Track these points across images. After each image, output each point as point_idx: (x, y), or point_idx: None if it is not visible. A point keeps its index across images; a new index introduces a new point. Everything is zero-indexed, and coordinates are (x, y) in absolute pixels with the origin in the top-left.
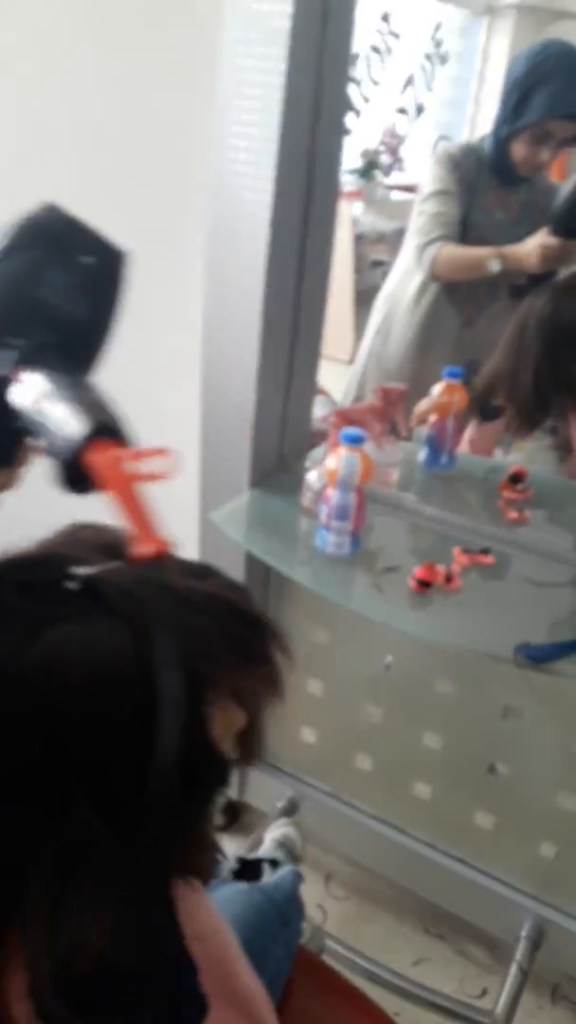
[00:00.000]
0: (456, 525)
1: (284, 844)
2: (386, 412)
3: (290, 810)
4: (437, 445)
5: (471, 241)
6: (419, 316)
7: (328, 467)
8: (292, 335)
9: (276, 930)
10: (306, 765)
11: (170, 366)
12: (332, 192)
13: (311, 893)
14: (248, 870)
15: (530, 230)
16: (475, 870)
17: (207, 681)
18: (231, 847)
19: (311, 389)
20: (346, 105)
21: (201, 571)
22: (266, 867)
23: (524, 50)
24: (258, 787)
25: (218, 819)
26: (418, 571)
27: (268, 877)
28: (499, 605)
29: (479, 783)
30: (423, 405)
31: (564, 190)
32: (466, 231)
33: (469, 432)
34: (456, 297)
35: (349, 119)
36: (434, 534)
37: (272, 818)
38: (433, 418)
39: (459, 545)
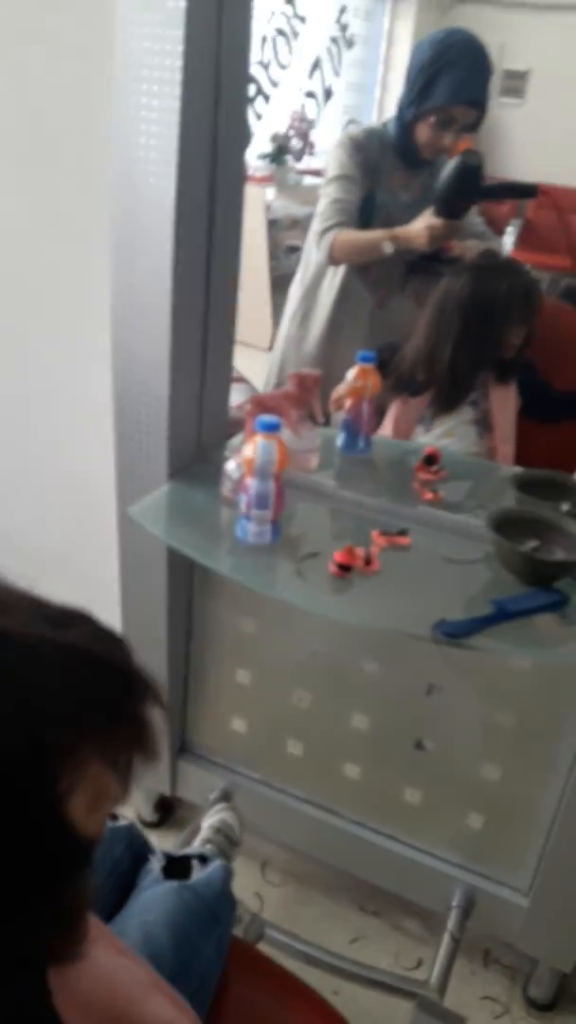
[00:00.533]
0: (374, 508)
1: (222, 829)
2: (302, 398)
3: (223, 800)
4: (354, 430)
5: (378, 222)
6: (332, 299)
7: (245, 455)
8: (204, 322)
9: (207, 928)
10: (237, 755)
11: (81, 358)
12: (238, 175)
13: (248, 881)
14: (177, 868)
15: None
16: (406, 845)
17: (59, 752)
18: (167, 841)
19: (227, 376)
20: (247, 85)
21: (65, 618)
22: (195, 863)
23: (428, 36)
24: (189, 780)
25: (151, 815)
26: (338, 555)
27: (197, 874)
28: (417, 584)
29: (407, 760)
30: (339, 390)
31: (443, 173)
32: (374, 212)
33: (393, 410)
34: (368, 279)
35: (259, 104)
36: (353, 518)
37: (206, 808)
38: (348, 403)
39: (377, 528)
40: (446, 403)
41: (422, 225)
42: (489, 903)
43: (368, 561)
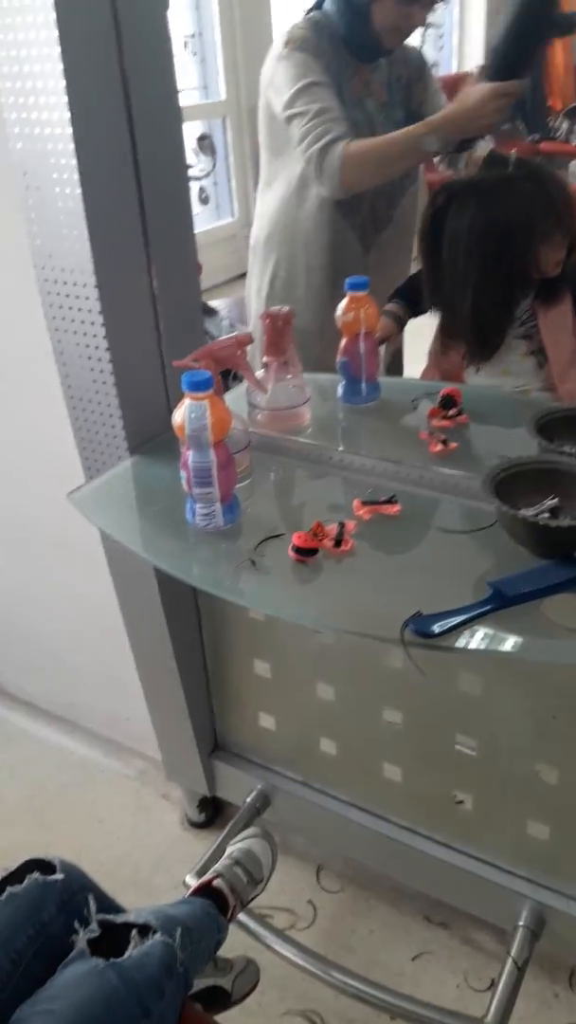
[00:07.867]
0: (364, 469)
1: (241, 862)
2: (279, 343)
3: (261, 804)
4: (352, 373)
5: None
6: (320, 253)
7: (175, 422)
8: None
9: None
10: (272, 753)
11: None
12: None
13: (301, 887)
14: (110, 940)
15: (404, 111)
16: (462, 854)
17: None
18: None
19: (194, 317)
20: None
21: None
22: (134, 936)
23: None
24: (226, 780)
25: (196, 816)
26: (296, 538)
27: (134, 949)
28: (402, 566)
29: (450, 760)
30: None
31: (499, 29)
32: None
33: (432, 356)
34: (354, 222)
35: None
36: (341, 484)
37: (242, 814)
38: (343, 341)
39: (367, 493)
40: (478, 355)
41: (480, 96)
42: (565, 921)
43: (339, 541)
